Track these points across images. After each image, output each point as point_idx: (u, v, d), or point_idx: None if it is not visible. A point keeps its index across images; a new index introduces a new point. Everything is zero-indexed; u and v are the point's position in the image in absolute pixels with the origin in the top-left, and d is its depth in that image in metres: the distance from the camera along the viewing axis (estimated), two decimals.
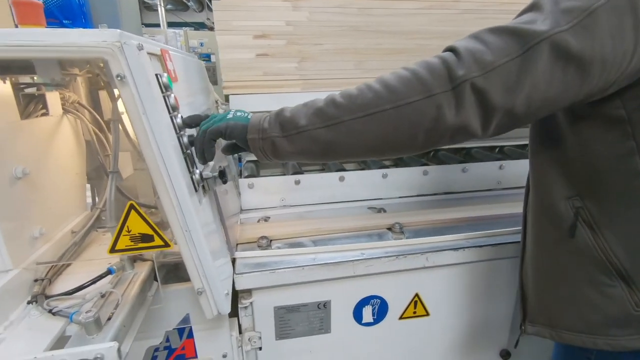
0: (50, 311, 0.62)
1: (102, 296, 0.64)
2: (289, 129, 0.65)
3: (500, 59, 0.55)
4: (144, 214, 0.65)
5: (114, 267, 0.70)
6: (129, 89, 0.57)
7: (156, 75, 0.65)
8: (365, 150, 0.64)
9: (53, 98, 0.80)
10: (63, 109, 0.82)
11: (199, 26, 7.85)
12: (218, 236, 0.86)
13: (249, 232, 1.13)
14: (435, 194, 1.47)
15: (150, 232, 0.66)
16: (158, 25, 5.40)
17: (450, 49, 0.58)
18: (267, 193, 1.36)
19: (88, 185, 1.02)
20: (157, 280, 0.72)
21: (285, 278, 0.97)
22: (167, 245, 0.68)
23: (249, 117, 0.70)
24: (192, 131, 0.76)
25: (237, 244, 1.08)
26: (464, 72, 0.55)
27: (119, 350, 0.51)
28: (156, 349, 0.88)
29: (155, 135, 0.61)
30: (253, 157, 1.57)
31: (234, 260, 1.00)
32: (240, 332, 1.04)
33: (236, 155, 1.69)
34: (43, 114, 0.76)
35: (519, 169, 1.53)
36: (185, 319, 0.85)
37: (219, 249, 0.83)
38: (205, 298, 0.72)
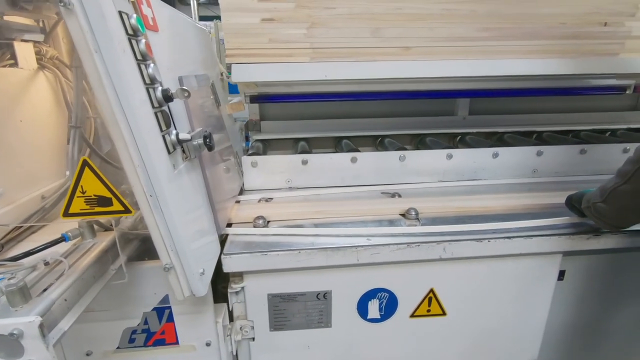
0: None
1: (46, 264, 0.56)
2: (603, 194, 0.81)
3: None
4: (99, 173, 0.56)
5: (70, 233, 0.62)
6: (75, 20, 0.48)
7: (120, 12, 0.55)
8: None
9: (25, 50, 0.74)
10: (39, 63, 0.76)
11: None
12: (202, 210, 0.76)
13: (245, 212, 1.03)
14: (459, 180, 1.31)
15: (108, 194, 0.57)
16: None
17: None
18: (271, 173, 1.25)
19: None
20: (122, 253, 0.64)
21: (279, 262, 0.86)
22: (127, 210, 0.59)
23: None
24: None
25: (231, 224, 0.99)
26: None
27: (41, 326, 0.42)
28: (133, 331, 0.80)
29: (112, 78, 0.52)
30: (262, 136, 1.48)
31: (224, 241, 0.91)
32: (230, 320, 0.94)
33: (244, 132, 1.60)
34: (11, 65, 0.70)
35: (561, 157, 1.33)
36: (164, 300, 0.76)
37: (201, 224, 0.74)
38: (174, 276, 0.62)
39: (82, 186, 0.56)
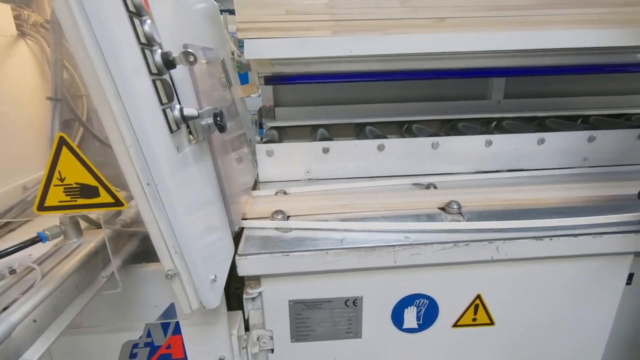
0: None
1: (12, 272, 0.44)
2: None
3: None
4: (81, 155, 0.44)
5: (47, 232, 0.50)
6: None
7: None
8: None
9: (1, 12, 0.62)
10: (19, 30, 0.64)
11: None
12: (212, 203, 0.64)
13: (261, 206, 0.91)
14: (499, 171, 1.16)
15: (93, 182, 0.45)
16: None
17: None
18: (288, 163, 1.13)
19: None
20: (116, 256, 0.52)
21: (304, 264, 0.74)
22: (118, 203, 0.47)
23: None
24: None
25: (245, 219, 0.86)
26: None
27: None
28: (135, 345, 0.69)
29: (95, 30, 0.40)
30: (277, 123, 1.35)
31: (238, 236, 0.78)
32: (246, 330, 0.82)
33: (256, 120, 1.47)
34: None
35: (615, 143, 1.17)
36: (170, 309, 0.64)
37: (211, 219, 0.61)
38: (179, 284, 0.50)
39: (59, 172, 0.44)
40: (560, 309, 0.85)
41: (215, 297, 0.55)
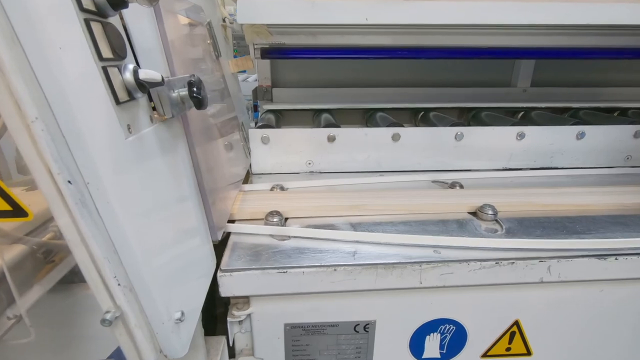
0: None
1: None
2: None
3: None
4: None
5: None
6: None
7: None
8: None
9: None
10: None
11: None
12: (183, 206, 0.47)
13: (253, 204, 0.74)
14: (532, 168, 1.01)
15: None
16: None
17: None
18: (287, 152, 0.96)
19: None
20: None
21: (305, 284, 0.58)
22: (18, 212, 0.31)
23: None
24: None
25: (233, 220, 0.70)
26: None
27: None
28: None
29: None
30: (274, 106, 1.17)
31: (223, 245, 0.62)
32: (231, 357, 0.67)
33: (252, 101, 1.30)
34: None
35: None
36: (117, 355, 0.48)
37: (181, 228, 0.45)
38: (123, 332, 0.34)
39: None
40: (611, 339, 0.71)
41: (182, 343, 0.38)
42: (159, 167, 0.41)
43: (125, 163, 0.34)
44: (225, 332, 0.64)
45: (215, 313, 0.67)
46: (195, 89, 0.45)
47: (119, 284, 0.32)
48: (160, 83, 0.38)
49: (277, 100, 1.22)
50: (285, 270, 0.56)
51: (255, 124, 1.10)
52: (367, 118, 1.19)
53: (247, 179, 0.93)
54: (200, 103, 0.46)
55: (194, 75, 0.47)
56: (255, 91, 1.23)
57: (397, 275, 0.58)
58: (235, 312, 0.61)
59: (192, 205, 0.50)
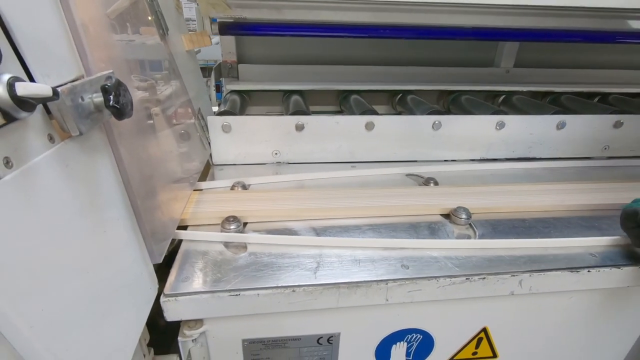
0: None
1: None
2: None
3: None
4: None
5: None
6: None
7: None
8: None
9: None
10: None
11: None
12: (105, 230, 0.40)
13: (209, 206, 0.67)
14: (511, 159, 0.97)
15: None
16: None
17: None
18: (251, 141, 0.88)
19: None
20: None
21: (261, 306, 0.52)
22: None
23: None
24: None
25: (185, 226, 0.63)
26: None
27: None
28: None
29: None
30: (240, 86, 1.07)
31: (173, 255, 0.56)
32: None
33: (213, 80, 1.18)
34: None
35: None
36: None
37: (101, 274, 0.38)
38: None
39: None
40: (575, 341, 0.71)
41: None
42: (63, 202, 0.33)
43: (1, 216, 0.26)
44: (176, 351, 0.59)
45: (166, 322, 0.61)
46: (112, 97, 0.36)
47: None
48: (52, 97, 0.30)
49: (244, 79, 1.12)
50: (238, 294, 0.51)
51: (219, 105, 1.00)
52: (341, 100, 1.11)
53: (207, 172, 0.85)
54: (120, 113, 0.37)
55: (111, 76, 0.38)
56: (218, 68, 1.12)
57: (362, 294, 0.54)
58: (187, 332, 0.56)
59: (123, 231, 0.42)
